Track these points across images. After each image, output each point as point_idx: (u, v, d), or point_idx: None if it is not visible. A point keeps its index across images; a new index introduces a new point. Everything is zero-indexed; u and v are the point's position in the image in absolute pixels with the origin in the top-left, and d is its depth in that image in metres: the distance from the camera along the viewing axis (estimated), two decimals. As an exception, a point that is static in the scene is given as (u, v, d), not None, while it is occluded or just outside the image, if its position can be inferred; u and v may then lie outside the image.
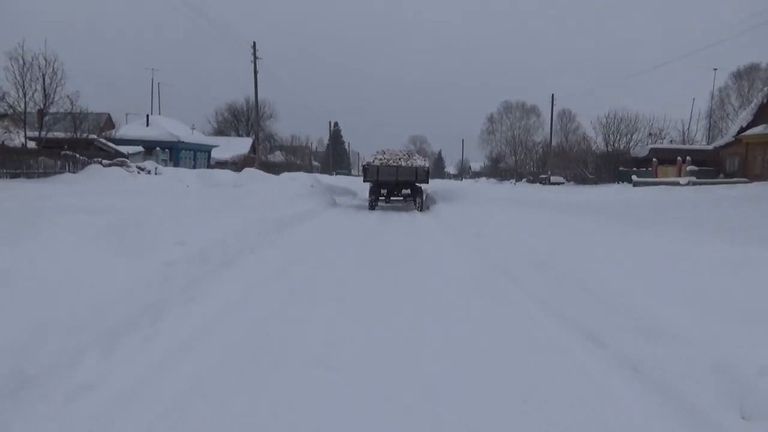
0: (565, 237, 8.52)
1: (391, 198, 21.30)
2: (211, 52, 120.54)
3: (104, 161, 27.12)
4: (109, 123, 53.86)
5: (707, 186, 27.72)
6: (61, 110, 25.82)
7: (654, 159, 40.63)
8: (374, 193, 20.34)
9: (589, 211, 14.53)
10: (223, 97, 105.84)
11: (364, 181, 21.06)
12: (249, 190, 18.02)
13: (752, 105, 32.80)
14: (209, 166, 48.27)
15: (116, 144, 38.36)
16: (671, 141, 49.28)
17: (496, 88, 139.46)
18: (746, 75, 50.14)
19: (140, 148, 37.21)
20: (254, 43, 32.06)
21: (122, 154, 33.16)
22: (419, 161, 20.53)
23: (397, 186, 20.87)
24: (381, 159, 20.27)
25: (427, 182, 20.37)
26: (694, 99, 56.88)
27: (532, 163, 74.35)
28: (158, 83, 54.70)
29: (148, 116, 43.74)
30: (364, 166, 20.34)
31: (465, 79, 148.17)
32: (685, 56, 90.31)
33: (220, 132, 71.68)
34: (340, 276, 7.08)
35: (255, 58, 32.04)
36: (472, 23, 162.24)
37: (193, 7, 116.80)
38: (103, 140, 31.10)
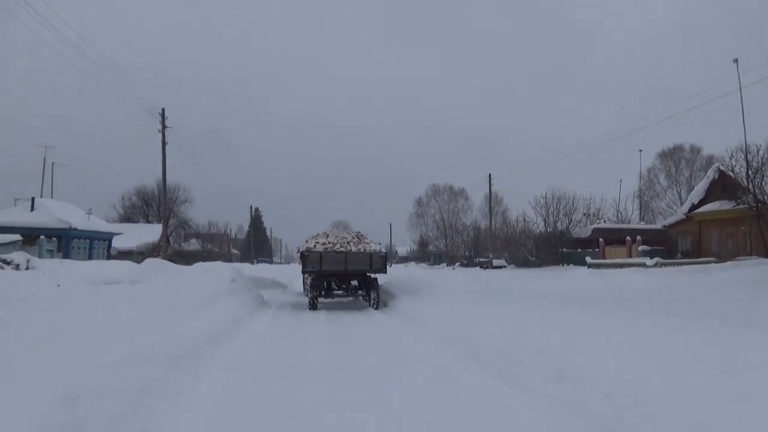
0: (608, 350, 4.71)
1: (334, 293, 16.63)
2: (119, 136, 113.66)
3: (-46, 254, 20.81)
4: (-8, 209, 46.40)
5: (678, 267, 25.26)
6: None
7: (600, 239, 38.71)
8: (317, 287, 15.65)
9: (579, 304, 10.77)
10: (131, 182, 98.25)
11: (303, 271, 16.39)
12: (144, 291, 12.84)
13: (704, 181, 31.72)
14: (110, 257, 41.64)
15: (-11, 232, 31.64)
16: (604, 221, 48.41)
17: (421, 171, 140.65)
18: (671, 155, 51.11)
19: (17, 237, 30.54)
20: (163, 110, 27.64)
21: (-12, 244, 26.62)
22: (374, 245, 16.23)
23: (346, 277, 16.33)
24: (324, 243, 15.78)
25: (385, 271, 15.99)
26: (621, 180, 57.34)
27: (464, 246, 72.22)
28: (52, 163, 47.99)
29: (33, 199, 37.12)
30: (302, 252, 15.73)
31: (389, 163, 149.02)
32: (611, 140, 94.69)
33: (127, 219, 64.80)
34: None
35: (164, 126, 27.42)
36: (394, 107, 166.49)
37: (103, 92, 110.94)
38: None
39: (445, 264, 68.59)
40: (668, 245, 34.76)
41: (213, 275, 16.19)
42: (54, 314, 7.56)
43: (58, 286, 16.40)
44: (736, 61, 28.29)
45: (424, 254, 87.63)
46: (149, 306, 9.21)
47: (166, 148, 27.75)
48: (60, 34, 32.53)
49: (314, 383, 5.66)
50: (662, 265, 26.72)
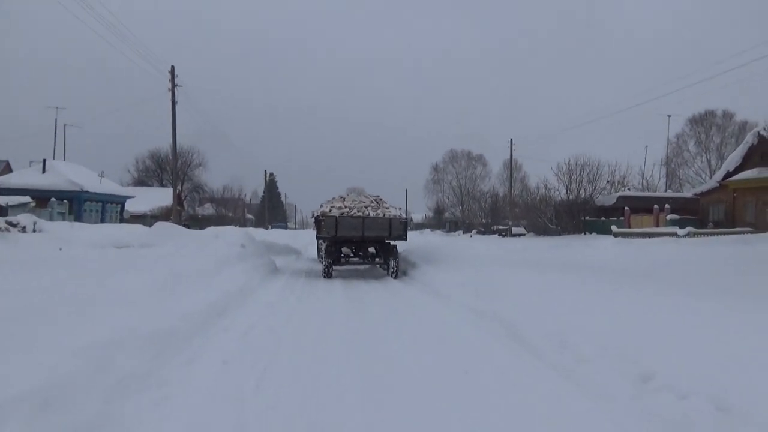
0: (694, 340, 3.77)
1: (350, 260, 15.62)
2: (135, 98, 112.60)
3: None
4: (7, 171, 45.85)
5: (713, 237, 23.84)
6: None
7: (626, 208, 37.21)
8: (331, 254, 14.64)
9: (622, 277, 9.56)
10: (145, 146, 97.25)
11: (317, 237, 15.39)
12: (147, 256, 11.97)
13: (741, 147, 29.91)
14: (122, 221, 41.13)
15: (2, 194, 31.05)
16: (628, 189, 46.72)
17: (439, 136, 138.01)
18: (702, 121, 48.87)
19: (28, 199, 29.92)
20: (172, 67, 26.37)
21: (-3, 206, 26.00)
22: (393, 210, 15.12)
23: (363, 244, 15.30)
24: (341, 207, 14.70)
25: (405, 238, 14.92)
26: (647, 146, 55.37)
27: (481, 214, 70.85)
28: (64, 124, 47.17)
29: (44, 161, 36.43)
30: (317, 217, 14.68)
31: (407, 127, 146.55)
32: (638, 104, 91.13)
33: (141, 182, 64.23)
34: None
35: (173, 85, 26.23)
36: (416, 70, 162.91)
37: (120, 57, 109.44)
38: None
39: (461, 231, 67.42)
40: (699, 215, 33.21)
41: (222, 240, 15.24)
42: (39, 282, 6.62)
43: (60, 249, 15.62)
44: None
45: (439, 221, 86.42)
46: (149, 273, 8.25)
47: (178, 109, 26.69)
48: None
49: (335, 384, 4.60)
50: (695, 234, 25.32)
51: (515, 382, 4.51)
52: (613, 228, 31.90)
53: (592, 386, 4.24)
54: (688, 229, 26.04)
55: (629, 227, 34.46)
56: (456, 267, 13.21)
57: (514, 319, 6.50)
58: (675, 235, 25.72)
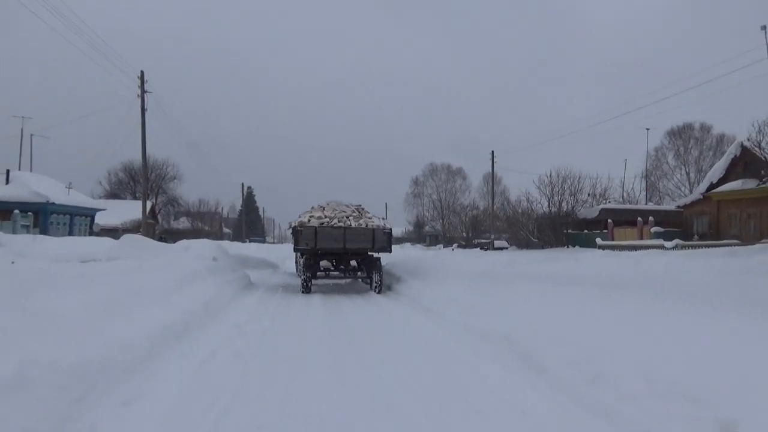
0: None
1: (331, 273, 14.57)
2: (105, 112, 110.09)
3: None
4: (-29, 183, 43.85)
5: (701, 250, 23.33)
6: None
7: (609, 220, 36.80)
8: (310, 267, 13.59)
9: (621, 290, 8.71)
10: (118, 158, 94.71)
11: (295, 249, 14.32)
12: (104, 270, 10.76)
13: (724, 158, 29.72)
14: (92, 234, 39.40)
15: (-41, 206, 29.40)
16: (609, 202, 46.49)
17: (420, 150, 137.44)
18: (680, 134, 49.00)
19: (-12, 211, 28.28)
20: (142, 72, 25.10)
21: (-47, 218, 24.39)
22: (376, 221, 14.16)
23: (344, 256, 14.28)
24: (320, 217, 13.68)
25: (390, 250, 13.95)
26: (626, 159, 55.35)
27: (461, 227, 70.28)
28: (30, 135, 45.31)
29: (8, 171, 34.72)
30: (294, 227, 13.64)
31: (387, 141, 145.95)
32: (616, 117, 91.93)
33: (113, 195, 62.26)
34: None
35: (143, 91, 25.00)
36: (395, 83, 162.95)
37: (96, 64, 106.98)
38: None
39: (441, 246, 66.66)
40: (683, 227, 32.91)
41: (191, 253, 14.10)
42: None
43: (13, 263, 14.29)
44: (764, 27, 26.05)
45: (419, 235, 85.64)
46: (96, 290, 7.11)
47: (151, 119, 25.50)
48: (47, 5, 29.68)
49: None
50: (682, 247, 24.81)
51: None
52: (598, 240, 31.38)
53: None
54: (676, 241, 25.58)
55: (613, 240, 34.01)
56: (444, 281, 12.29)
57: (526, 343, 5.55)
58: (662, 247, 25.18)
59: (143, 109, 24.92)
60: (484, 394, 4.41)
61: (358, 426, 3.66)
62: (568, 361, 4.65)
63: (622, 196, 49.06)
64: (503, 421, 3.78)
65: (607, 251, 26.50)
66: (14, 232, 28.23)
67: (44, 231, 32.69)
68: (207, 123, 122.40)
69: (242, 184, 75.62)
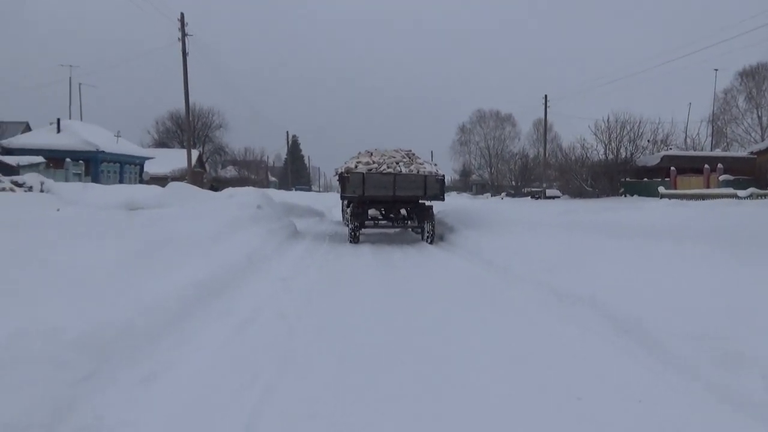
0: None
1: (379, 222, 13.78)
2: (155, 61, 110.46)
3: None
4: (28, 132, 44.84)
5: (781, 199, 21.36)
6: None
7: (672, 168, 34.53)
8: (358, 216, 12.83)
9: (712, 244, 7.47)
10: (165, 107, 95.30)
11: (342, 197, 13.57)
12: (144, 219, 10.23)
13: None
14: (142, 182, 39.92)
15: (15, 154, 29.90)
16: (670, 148, 43.68)
17: (465, 96, 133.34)
18: (753, 75, 45.03)
19: (40, 159, 28.69)
20: (182, 14, 24.31)
21: (7, 166, 24.76)
22: (428, 166, 13.19)
23: (394, 205, 13.44)
24: (368, 163, 12.80)
25: (443, 198, 13.02)
26: (690, 103, 51.55)
27: (510, 176, 68.18)
28: (79, 84, 45.69)
29: (59, 121, 35.08)
30: (341, 174, 12.83)
31: (433, 87, 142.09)
32: (681, 57, 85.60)
33: (162, 144, 62.94)
34: None
35: (183, 34, 24.26)
36: (443, 26, 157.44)
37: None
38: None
39: (488, 194, 65.02)
40: (756, 175, 30.40)
41: (235, 201, 13.54)
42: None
43: (58, 210, 14.13)
44: None
45: (465, 184, 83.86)
46: (134, 240, 6.52)
47: (196, 66, 24.81)
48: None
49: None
50: (759, 196, 22.81)
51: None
52: (661, 189, 29.45)
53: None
54: (751, 190, 23.54)
55: (675, 188, 31.96)
56: (502, 231, 11.31)
57: (622, 307, 4.61)
58: (734, 197, 23.26)
59: (184, 53, 24.26)
60: (581, 373, 3.54)
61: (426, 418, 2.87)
62: (686, 334, 3.70)
63: (686, 142, 46.07)
64: (621, 417, 2.91)
65: (673, 201, 24.78)
66: (67, 180, 28.67)
67: (95, 179, 33.19)
68: (252, 70, 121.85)
69: (287, 132, 75.36)
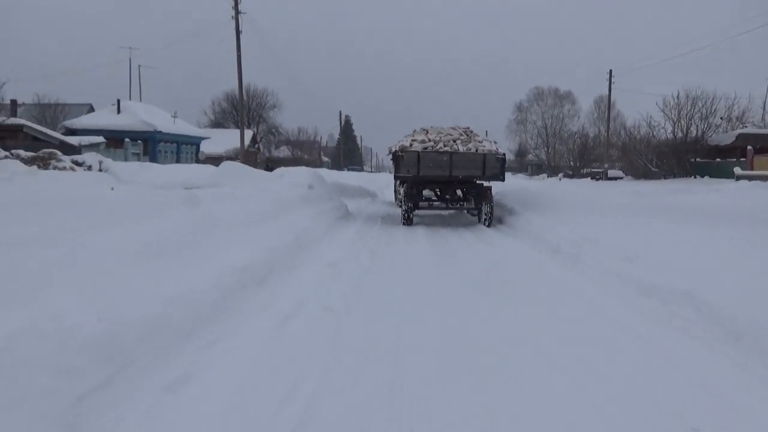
0: None
1: (434, 203, 13.13)
2: (211, 41, 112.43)
3: (24, 154, 19.41)
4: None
5: None
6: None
7: (748, 147, 32.10)
8: (412, 197, 12.23)
9: None
10: (221, 88, 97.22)
11: (395, 176, 13.01)
12: (193, 198, 9.96)
13: None
14: (198, 162, 40.65)
15: (78, 134, 30.86)
16: (745, 126, 40.64)
17: (522, 73, 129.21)
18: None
19: (100, 139, 29.44)
20: (235, -9, 24.15)
21: (70, 146, 25.44)
22: (488, 144, 12.40)
23: (450, 185, 12.76)
24: (423, 141, 12.13)
25: (503, 179, 12.24)
26: (768, 78, 47.74)
27: (568, 156, 65.71)
28: (138, 66, 46.79)
29: (119, 101, 35.95)
30: (394, 152, 12.23)
31: (488, 65, 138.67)
32: (758, 27, 79.36)
33: (217, 124, 64.03)
34: None
35: (237, 11, 24.13)
36: (500, 3, 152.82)
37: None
38: (38, 127, 23.31)
39: (545, 175, 62.92)
40: None
41: (287, 180, 13.20)
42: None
43: (112, 189, 14.21)
44: None
45: (521, 164, 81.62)
46: (177, 221, 6.16)
47: (250, 46, 24.71)
48: None
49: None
50: None
51: None
52: (737, 170, 27.36)
53: None
54: None
55: (752, 169, 29.68)
56: (567, 214, 10.47)
57: (730, 307, 3.83)
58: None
59: (238, 32, 24.16)
60: (689, 394, 2.85)
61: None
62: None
63: (763, 119, 42.83)
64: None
65: (753, 182, 22.92)
66: (126, 159, 29.34)
67: (153, 159, 33.91)
68: (305, 51, 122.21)
69: (340, 113, 75.34)
